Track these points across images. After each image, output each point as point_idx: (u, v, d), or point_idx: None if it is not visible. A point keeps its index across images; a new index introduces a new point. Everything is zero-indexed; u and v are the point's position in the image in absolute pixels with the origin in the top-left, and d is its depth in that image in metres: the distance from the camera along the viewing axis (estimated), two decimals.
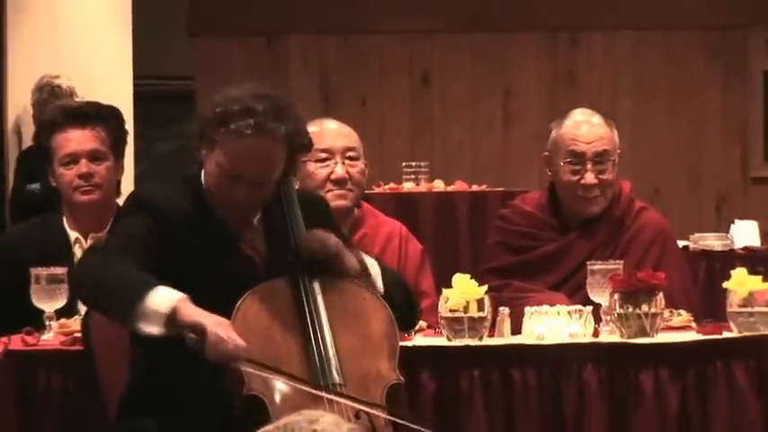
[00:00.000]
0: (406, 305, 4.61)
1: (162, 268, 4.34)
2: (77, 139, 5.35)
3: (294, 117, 4.42)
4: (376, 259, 4.64)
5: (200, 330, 4.11)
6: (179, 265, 4.36)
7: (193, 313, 4.14)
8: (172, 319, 4.13)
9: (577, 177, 5.45)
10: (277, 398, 4.20)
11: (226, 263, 4.43)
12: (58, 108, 5.69)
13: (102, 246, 4.52)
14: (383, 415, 4.29)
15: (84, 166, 5.32)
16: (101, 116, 5.44)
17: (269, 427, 2.57)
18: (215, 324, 4.12)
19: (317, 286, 4.38)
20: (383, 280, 4.52)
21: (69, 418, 4.74)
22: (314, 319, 4.34)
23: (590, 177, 5.44)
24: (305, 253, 4.43)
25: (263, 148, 4.36)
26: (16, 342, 4.79)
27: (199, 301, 4.25)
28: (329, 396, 4.22)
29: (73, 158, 5.33)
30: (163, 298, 4.15)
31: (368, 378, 4.35)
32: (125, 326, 4.27)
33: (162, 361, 4.33)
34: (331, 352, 4.31)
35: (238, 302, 4.29)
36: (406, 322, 4.66)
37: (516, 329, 4.90)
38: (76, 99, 8.46)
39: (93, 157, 5.35)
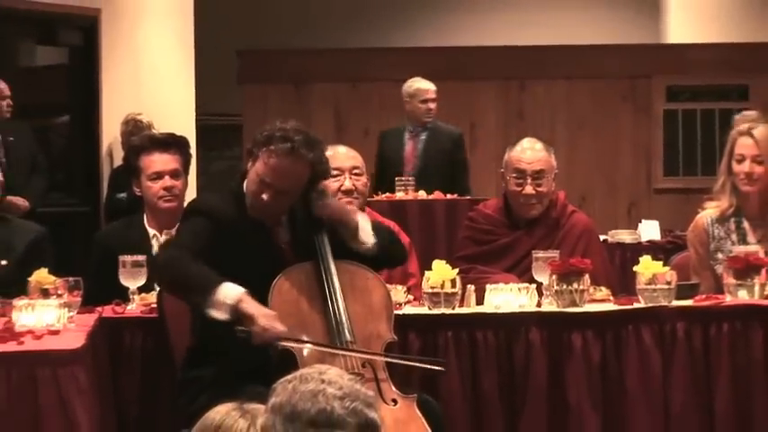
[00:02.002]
0: (394, 241, 4.65)
1: (216, 258, 4.34)
2: (162, 161, 5.33)
3: (320, 151, 4.46)
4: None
5: (249, 321, 4.13)
6: (229, 254, 4.35)
7: (250, 306, 4.16)
8: (235, 308, 4.15)
9: (520, 189, 5.43)
10: (304, 352, 4.21)
11: (262, 251, 4.42)
12: (146, 137, 5.69)
13: (175, 243, 4.46)
14: (382, 358, 4.31)
15: (167, 181, 5.31)
16: (177, 144, 5.44)
17: (289, 377, 2.55)
18: (261, 316, 4.14)
19: (333, 268, 4.38)
20: (373, 228, 4.51)
21: (147, 368, 4.74)
22: (331, 292, 4.34)
23: (529, 189, 5.42)
24: (319, 211, 4.44)
25: (292, 167, 4.36)
26: (108, 311, 4.79)
27: (244, 281, 4.26)
28: (343, 352, 4.24)
29: (159, 175, 5.31)
30: (228, 292, 4.17)
31: (371, 337, 4.36)
32: (199, 310, 4.28)
33: (214, 325, 4.32)
34: (344, 317, 4.31)
35: (275, 280, 4.30)
36: (399, 253, 4.69)
37: (479, 301, 4.89)
38: (154, 130, 8.45)
39: (174, 174, 5.33)
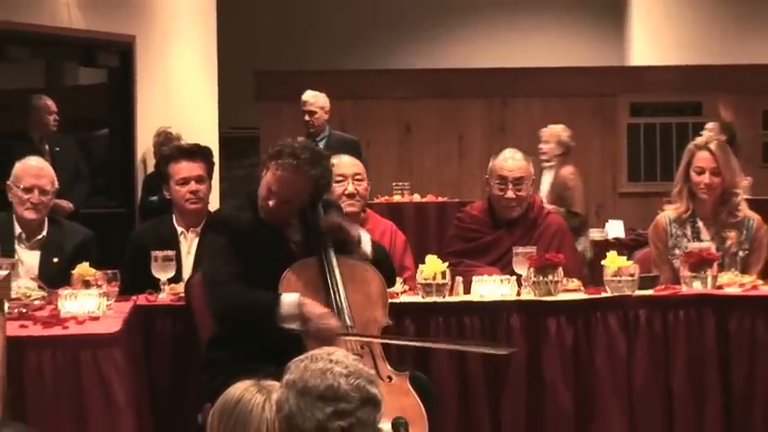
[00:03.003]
0: (387, 263, 4.59)
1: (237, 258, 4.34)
2: (188, 168, 5.32)
3: (324, 167, 4.42)
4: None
5: (307, 320, 4.17)
6: (246, 254, 4.36)
7: (310, 308, 4.20)
8: (301, 315, 4.19)
9: (503, 193, 5.43)
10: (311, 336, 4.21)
11: (274, 249, 4.42)
12: (174, 147, 5.69)
13: (218, 280, 4.37)
14: (379, 340, 4.32)
15: (193, 185, 5.30)
16: (202, 153, 5.44)
17: (301, 356, 2.56)
18: (318, 316, 4.18)
19: (335, 262, 4.36)
20: (372, 247, 4.48)
21: (176, 350, 4.74)
22: (334, 283, 4.34)
23: (510, 194, 5.42)
24: (325, 225, 4.42)
25: (295, 181, 4.36)
26: (142, 299, 4.79)
27: (257, 276, 4.26)
28: (349, 338, 4.24)
29: (185, 180, 5.31)
30: (290, 303, 4.21)
31: (368, 322, 4.35)
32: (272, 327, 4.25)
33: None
34: (345, 305, 4.30)
35: (284, 272, 4.30)
36: (390, 277, 4.62)
37: (467, 291, 4.89)
38: (182, 141, 8.45)
39: (199, 180, 5.33)
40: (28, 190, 5.10)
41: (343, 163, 5.39)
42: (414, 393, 4.20)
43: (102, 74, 9.83)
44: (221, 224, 4.47)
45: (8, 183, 5.14)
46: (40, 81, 9.41)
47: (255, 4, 12.65)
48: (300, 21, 12.82)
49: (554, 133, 8.88)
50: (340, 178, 5.26)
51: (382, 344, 4.34)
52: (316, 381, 2.47)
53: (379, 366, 4.24)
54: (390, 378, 4.23)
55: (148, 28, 9.77)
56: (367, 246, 4.47)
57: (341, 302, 4.30)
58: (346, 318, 4.28)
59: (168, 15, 10.07)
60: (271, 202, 4.37)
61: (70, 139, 8.75)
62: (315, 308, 4.21)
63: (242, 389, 3.12)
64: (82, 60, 9.72)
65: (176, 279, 4.96)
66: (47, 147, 8.26)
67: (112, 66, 9.65)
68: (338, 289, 4.32)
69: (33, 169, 5.17)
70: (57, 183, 5.25)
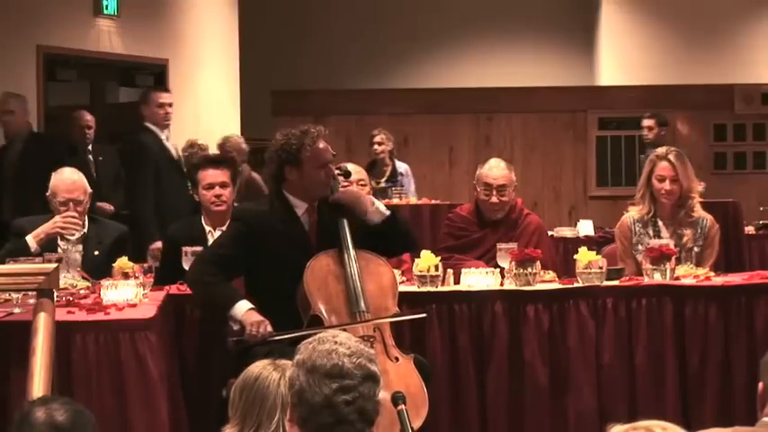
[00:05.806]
0: (408, 228, 4.59)
1: (254, 249, 4.33)
2: (214, 175, 5.32)
3: None
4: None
5: (243, 325, 4.18)
6: (266, 242, 4.35)
7: (247, 318, 4.18)
8: (240, 320, 4.21)
9: (488, 198, 5.43)
10: (330, 319, 4.20)
11: (292, 235, 4.41)
12: (202, 156, 5.72)
13: (200, 258, 4.51)
14: (391, 320, 4.29)
15: (218, 190, 5.29)
16: (226, 162, 5.45)
17: (310, 339, 2.55)
18: (251, 324, 4.15)
19: (353, 254, 4.34)
20: (392, 213, 4.49)
21: (203, 332, 4.71)
22: (352, 273, 4.31)
23: (494, 199, 5.42)
24: (338, 197, 4.43)
25: (327, 146, 4.44)
26: (173, 289, 4.76)
27: (277, 260, 4.27)
28: (359, 324, 4.21)
29: (211, 186, 5.30)
30: (240, 308, 4.21)
31: (380, 308, 4.32)
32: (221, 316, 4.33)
33: (265, 300, 4.32)
34: (360, 292, 4.28)
35: (309, 262, 4.28)
36: (411, 240, 4.62)
37: (457, 282, 4.88)
38: (209, 152, 8.44)
39: (222, 185, 5.32)
40: (63, 203, 5.05)
41: (349, 170, 5.37)
42: (417, 372, 4.19)
43: (139, 92, 9.81)
44: (238, 218, 4.49)
45: (47, 195, 5.10)
46: (84, 99, 9.39)
47: (273, 31, 12.65)
48: (311, 46, 12.81)
49: (235, 143, 8.81)
50: (346, 183, 5.25)
51: (392, 329, 4.31)
52: (323, 360, 2.45)
53: (389, 348, 4.22)
54: (397, 359, 4.21)
55: (179, 52, 9.77)
56: (382, 207, 4.45)
57: (357, 290, 4.27)
58: (361, 303, 4.25)
59: (197, 41, 10.07)
60: (329, 172, 4.41)
61: (111, 150, 8.71)
62: (252, 316, 4.19)
63: (260, 367, 3.12)
64: (121, 81, 9.72)
65: None
66: (90, 157, 8.25)
67: (148, 85, 9.63)
68: (355, 278, 4.29)
69: (66, 183, 5.09)
70: (89, 188, 5.18)
